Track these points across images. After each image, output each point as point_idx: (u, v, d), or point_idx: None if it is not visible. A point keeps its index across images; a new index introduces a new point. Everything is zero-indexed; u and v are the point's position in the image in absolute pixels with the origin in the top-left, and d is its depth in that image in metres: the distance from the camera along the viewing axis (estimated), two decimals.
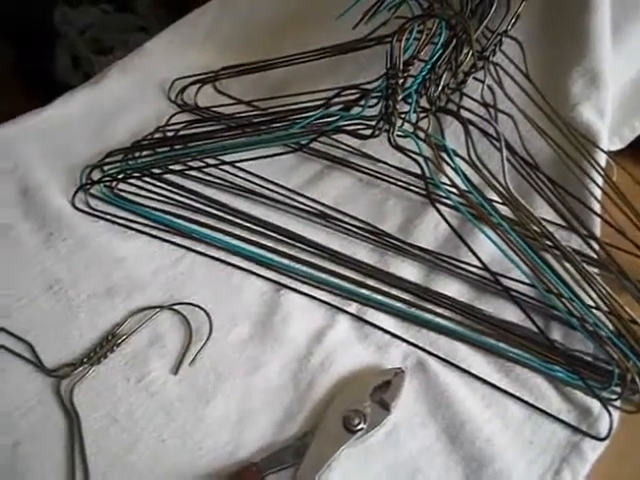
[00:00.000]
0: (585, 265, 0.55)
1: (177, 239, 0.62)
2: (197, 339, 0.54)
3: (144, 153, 0.68)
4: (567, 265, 0.55)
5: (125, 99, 0.74)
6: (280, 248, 0.62)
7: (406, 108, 0.55)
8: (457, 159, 0.56)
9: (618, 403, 0.52)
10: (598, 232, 0.61)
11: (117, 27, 0.97)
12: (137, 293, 0.57)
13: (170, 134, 0.70)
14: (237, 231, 0.63)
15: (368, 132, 0.56)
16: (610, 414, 0.51)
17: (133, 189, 0.65)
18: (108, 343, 0.53)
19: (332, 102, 0.63)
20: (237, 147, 0.61)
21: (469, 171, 0.57)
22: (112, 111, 0.73)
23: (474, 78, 0.59)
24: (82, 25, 0.96)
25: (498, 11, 0.58)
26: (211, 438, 0.49)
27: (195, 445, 0.49)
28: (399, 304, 0.58)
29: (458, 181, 0.55)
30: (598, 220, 0.62)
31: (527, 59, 0.64)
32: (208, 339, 0.54)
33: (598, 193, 0.62)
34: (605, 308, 0.54)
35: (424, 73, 0.55)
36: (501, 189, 0.57)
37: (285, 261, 0.61)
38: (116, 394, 0.51)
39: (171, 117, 0.72)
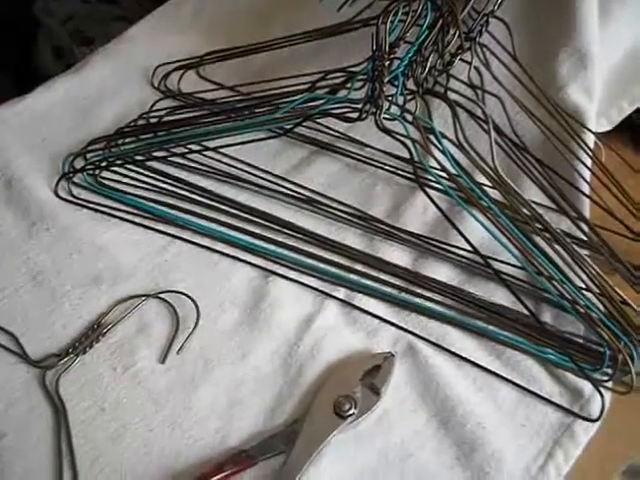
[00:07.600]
0: (575, 247, 0.55)
1: (162, 227, 0.61)
2: (184, 327, 0.54)
3: (127, 140, 0.66)
4: (557, 247, 0.55)
5: (108, 86, 0.73)
6: (267, 234, 0.61)
7: (393, 91, 0.55)
8: (445, 142, 0.56)
9: (610, 384, 0.52)
10: (587, 214, 0.61)
11: (99, 17, 0.95)
12: (122, 282, 0.56)
13: (153, 121, 0.69)
14: (223, 218, 0.62)
15: (355, 115, 0.55)
16: (602, 395, 0.51)
17: (117, 177, 0.64)
18: (94, 333, 0.53)
19: (317, 86, 0.62)
20: (221, 133, 0.60)
21: (457, 154, 0.56)
22: (94, 98, 0.72)
23: (461, 60, 0.58)
24: (63, 15, 0.94)
25: None
26: (200, 426, 0.49)
27: (184, 434, 0.49)
28: (388, 289, 0.58)
29: (447, 164, 0.55)
30: (587, 202, 0.62)
31: (514, 40, 0.64)
32: (195, 327, 0.54)
33: (587, 175, 0.62)
34: (596, 290, 0.54)
35: (410, 55, 0.55)
36: (490, 172, 0.56)
37: (272, 247, 0.60)
38: (103, 384, 0.51)
39: (154, 103, 0.71)
